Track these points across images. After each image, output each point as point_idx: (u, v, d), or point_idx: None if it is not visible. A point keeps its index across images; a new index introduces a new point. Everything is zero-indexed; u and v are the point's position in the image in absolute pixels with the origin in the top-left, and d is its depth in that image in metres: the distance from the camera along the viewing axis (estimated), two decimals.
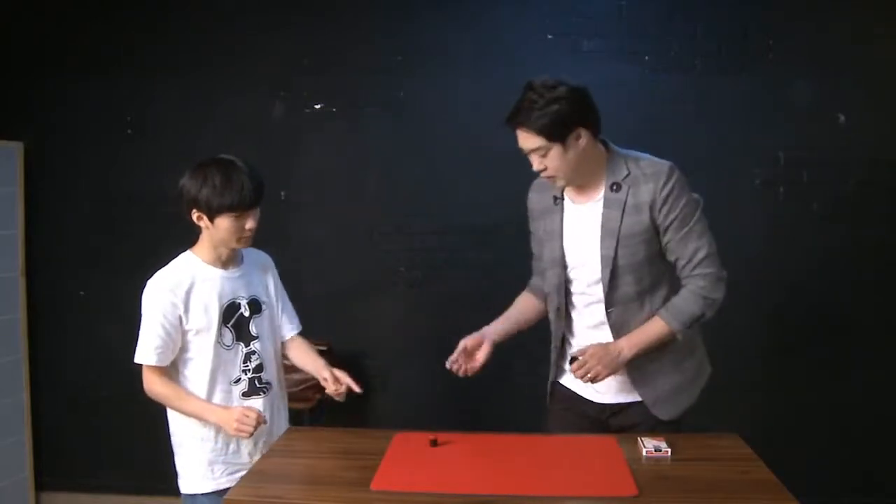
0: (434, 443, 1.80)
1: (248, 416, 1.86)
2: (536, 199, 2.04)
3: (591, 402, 1.98)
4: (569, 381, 2.03)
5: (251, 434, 1.87)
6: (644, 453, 1.71)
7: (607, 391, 1.94)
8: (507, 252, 2.71)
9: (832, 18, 2.98)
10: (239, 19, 3.21)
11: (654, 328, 1.84)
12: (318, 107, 3.21)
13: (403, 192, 3.21)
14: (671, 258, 1.87)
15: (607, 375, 1.80)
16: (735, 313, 3.05)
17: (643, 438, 1.75)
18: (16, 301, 3.28)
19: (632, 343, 1.82)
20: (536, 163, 1.82)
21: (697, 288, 1.83)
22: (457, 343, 1.97)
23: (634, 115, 3.06)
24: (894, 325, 3.04)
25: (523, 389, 2.83)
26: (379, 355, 3.24)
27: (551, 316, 2.04)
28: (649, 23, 3.05)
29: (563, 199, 1.94)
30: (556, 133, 1.76)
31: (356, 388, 1.98)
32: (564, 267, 1.94)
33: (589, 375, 1.79)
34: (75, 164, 3.32)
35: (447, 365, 1.94)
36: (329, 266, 3.23)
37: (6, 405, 3.23)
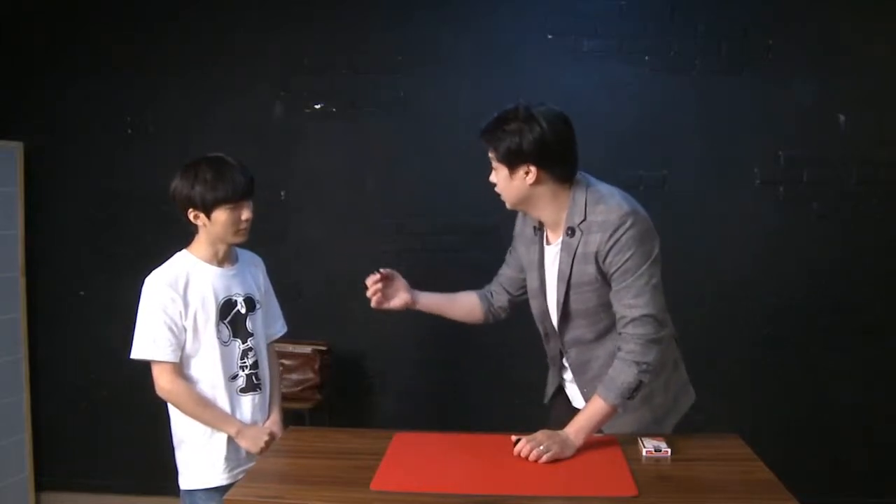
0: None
1: (268, 440, 2.00)
2: (521, 221, 2.01)
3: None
4: (571, 390, 2.02)
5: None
6: (644, 453, 1.71)
7: None
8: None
9: (832, 18, 2.98)
10: (239, 19, 3.21)
11: (594, 407, 1.75)
12: (318, 107, 3.21)
13: (403, 192, 3.21)
14: (614, 310, 1.78)
15: (559, 453, 1.68)
16: (735, 313, 3.10)
17: (643, 438, 1.75)
18: (16, 301, 3.28)
19: (576, 428, 1.73)
20: (492, 174, 1.83)
21: (627, 353, 1.72)
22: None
23: (634, 115, 3.07)
24: (894, 325, 3.04)
25: (522, 390, 2.84)
26: (379, 355, 3.23)
27: (542, 335, 2.02)
28: (649, 23, 3.05)
29: (542, 231, 1.91)
30: (506, 158, 1.76)
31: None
32: (545, 298, 1.92)
33: (540, 449, 1.66)
34: (75, 164, 3.32)
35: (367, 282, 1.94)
36: (329, 266, 3.23)
37: (6, 405, 3.22)
